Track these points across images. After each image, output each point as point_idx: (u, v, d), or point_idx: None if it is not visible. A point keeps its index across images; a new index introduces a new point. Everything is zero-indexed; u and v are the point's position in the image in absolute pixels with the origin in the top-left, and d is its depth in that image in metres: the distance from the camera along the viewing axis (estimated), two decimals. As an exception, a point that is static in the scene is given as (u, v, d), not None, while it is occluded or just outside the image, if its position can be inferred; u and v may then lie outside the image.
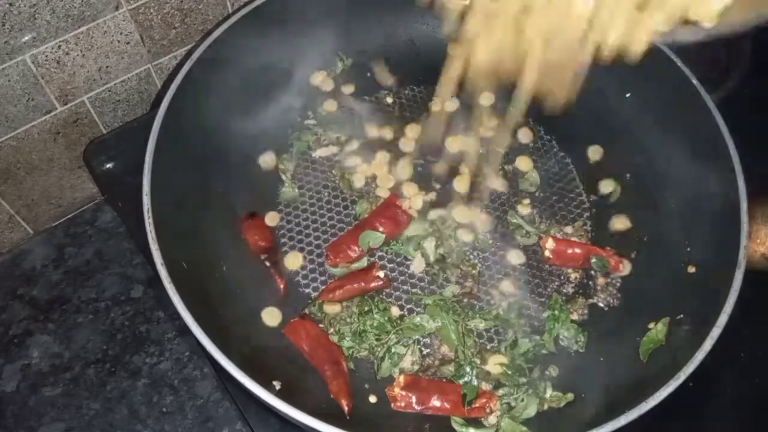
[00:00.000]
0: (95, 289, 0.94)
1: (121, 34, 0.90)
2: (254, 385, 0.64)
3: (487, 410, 0.75)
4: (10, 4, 0.78)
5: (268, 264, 0.85)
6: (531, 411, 0.75)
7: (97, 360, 0.89)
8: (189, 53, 0.90)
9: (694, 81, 0.84)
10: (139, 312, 0.92)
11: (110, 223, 1.00)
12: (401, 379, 0.77)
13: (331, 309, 0.81)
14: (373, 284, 0.83)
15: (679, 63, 0.85)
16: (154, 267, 0.70)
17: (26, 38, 0.82)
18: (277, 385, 0.68)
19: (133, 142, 0.79)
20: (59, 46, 0.86)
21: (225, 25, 0.86)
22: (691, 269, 0.80)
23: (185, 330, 0.66)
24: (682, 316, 0.76)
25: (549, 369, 0.79)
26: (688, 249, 0.81)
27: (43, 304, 0.93)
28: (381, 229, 0.86)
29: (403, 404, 0.75)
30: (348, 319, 0.81)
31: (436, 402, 0.75)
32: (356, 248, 0.85)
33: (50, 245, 0.98)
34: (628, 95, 0.94)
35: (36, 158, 0.94)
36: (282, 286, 0.84)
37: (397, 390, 0.76)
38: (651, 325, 0.78)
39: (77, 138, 0.97)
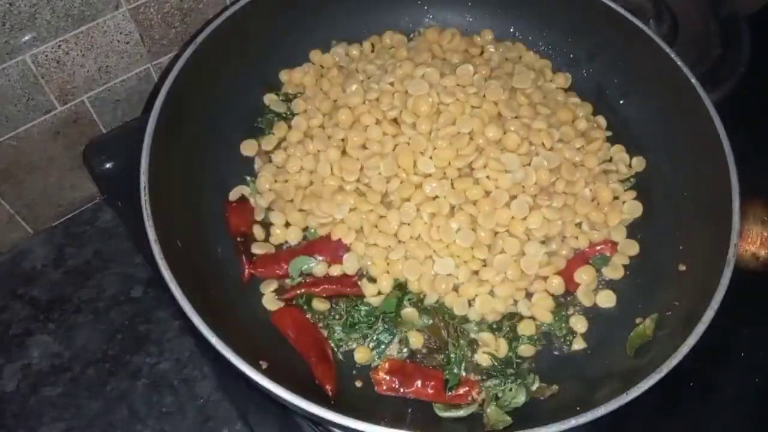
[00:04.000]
0: (95, 289, 0.94)
1: (121, 33, 0.90)
2: (241, 362, 0.64)
3: (469, 399, 0.75)
4: (10, 4, 0.78)
5: (242, 248, 0.83)
6: (520, 400, 0.75)
7: (97, 360, 0.89)
8: (181, 50, 0.89)
9: (694, 81, 0.84)
10: (139, 312, 0.92)
11: (110, 222, 1.00)
12: (386, 364, 0.77)
13: (321, 305, 0.81)
14: (348, 289, 0.82)
15: (679, 62, 0.85)
16: (154, 267, 0.70)
17: (26, 38, 0.82)
18: (263, 364, 0.68)
19: (132, 142, 0.78)
20: (59, 46, 0.86)
21: (212, 25, 0.85)
22: (682, 267, 0.80)
23: (185, 330, 0.67)
24: (670, 312, 0.77)
25: (537, 361, 0.79)
26: (680, 247, 0.81)
27: (43, 304, 0.93)
28: (318, 257, 0.83)
29: (386, 387, 0.76)
30: (337, 316, 0.81)
31: (419, 387, 0.75)
32: (285, 267, 0.82)
33: (50, 245, 0.98)
34: (628, 95, 0.94)
35: (36, 158, 0.94)
36: (246, 272, 0.82)
37: (381, 374, 0.76)
38: (639, 321, 0.78)
39: (77, 138, 0.97)
